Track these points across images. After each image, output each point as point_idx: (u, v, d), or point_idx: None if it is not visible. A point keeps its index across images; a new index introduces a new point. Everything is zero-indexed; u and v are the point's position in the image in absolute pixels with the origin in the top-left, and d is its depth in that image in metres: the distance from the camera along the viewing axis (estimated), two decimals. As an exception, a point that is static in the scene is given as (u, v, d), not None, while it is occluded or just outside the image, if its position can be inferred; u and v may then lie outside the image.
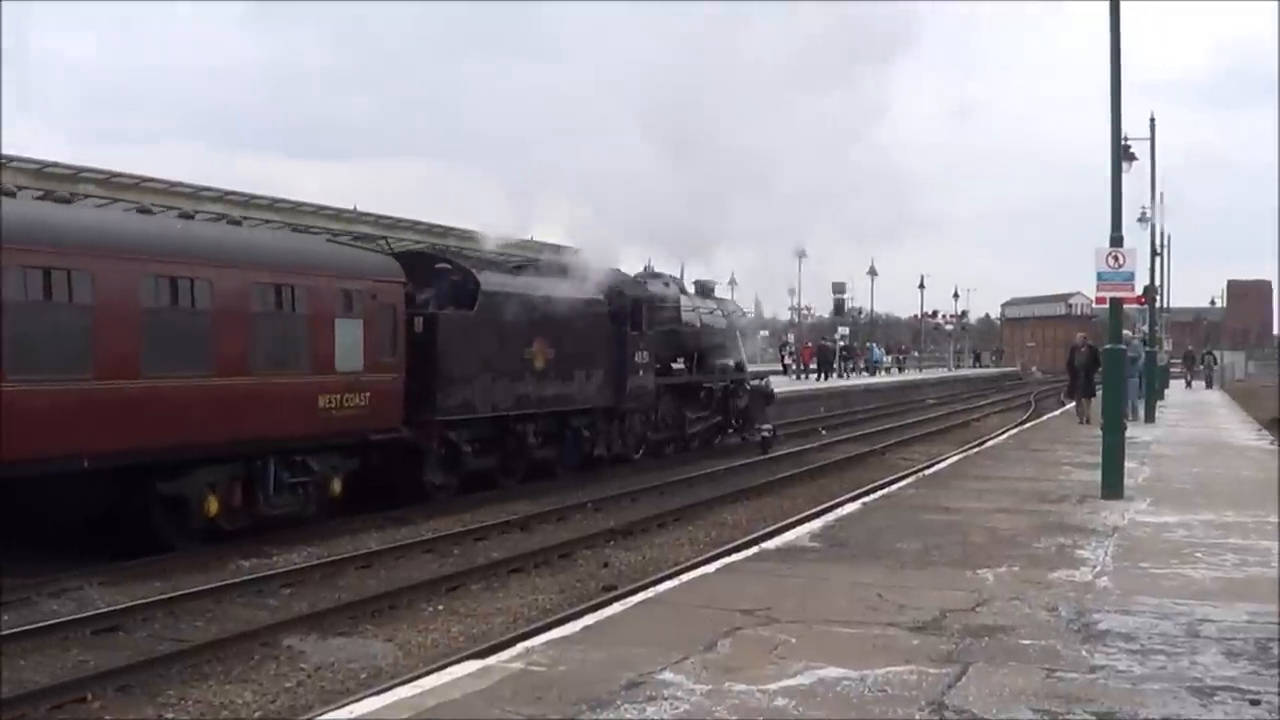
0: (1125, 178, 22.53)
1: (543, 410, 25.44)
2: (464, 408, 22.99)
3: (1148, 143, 41.66)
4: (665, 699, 7.92)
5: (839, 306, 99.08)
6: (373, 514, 20.78)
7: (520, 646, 9.60)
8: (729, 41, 24.75)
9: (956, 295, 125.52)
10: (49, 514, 16.36)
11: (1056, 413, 44.88)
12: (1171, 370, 67.95)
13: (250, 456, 18.49)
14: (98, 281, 15.93)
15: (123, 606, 14.25)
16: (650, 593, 12.10)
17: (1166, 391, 52.69)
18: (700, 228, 28.37)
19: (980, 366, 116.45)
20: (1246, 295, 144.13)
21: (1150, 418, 37.31)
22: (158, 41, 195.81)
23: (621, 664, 8.74)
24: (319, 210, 39.19)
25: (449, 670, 9.14)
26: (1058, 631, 10.05)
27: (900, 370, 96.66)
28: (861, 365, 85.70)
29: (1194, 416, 42.75)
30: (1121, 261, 19.09)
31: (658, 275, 32.23)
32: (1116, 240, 19.16)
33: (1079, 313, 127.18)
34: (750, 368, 39.06)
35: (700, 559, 16.19)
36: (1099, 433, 19.91)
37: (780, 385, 48.28)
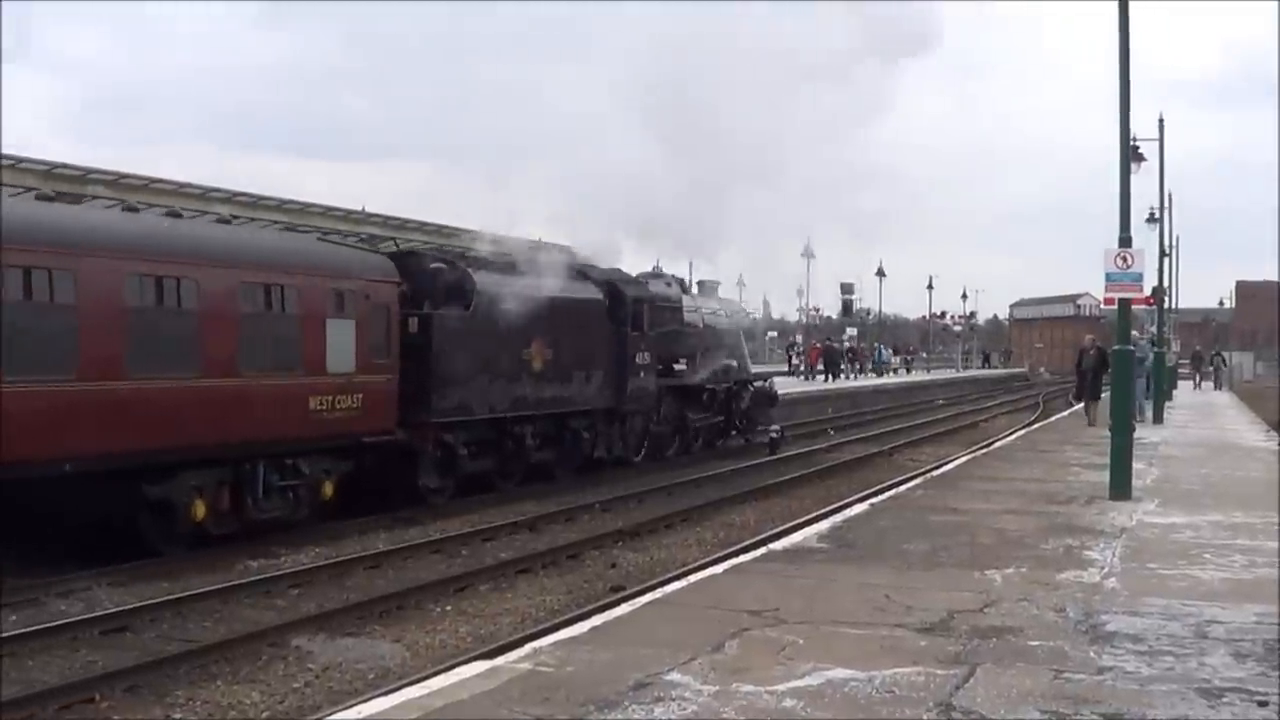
0: (1134, 178, 22.49)
1: (541, 412, 25.18)
2: (460, 409, 22.66)
3: (1157, 143, 41.66)
4: (673, 700, 7.92)
5: (847, 307, 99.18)
6: (380, 515, 20.76)
7: (528, 647, 9.60)
8: (742, 38, 24.65)
9: (965, 296, 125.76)
10: (33, 519, 15.99)
11: (1065, 414, 44.81)
12: (1180, 371, 67.85)
13: (239, 459, 18.12)
14: (80, 281, 15.60)
15: (131, 607, 14.26)
16: (658, 593, 12.11)
17: (1175, 392, 52.61)
18: (707, 226, 28.23)
19: (989, 367, 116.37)
20: (1255, 296, 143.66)
21: (1158, 419, 37.30)
22: (167, 42, 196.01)
23: (629, 665, 8.74)
24: (327, 211, 39.20)
25: (457, 671, 9.15)
26: (1066, 632, 10.04)
27: (908, 371, 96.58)
28: (869, 366, 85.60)
29: (1202, 418, 42.70)
30: (1130, 262, 19.06)
31: (659, 275, 31.98)
32: (1125, 241, 19.15)
33: (1087, 313, 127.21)
34: (754, 369, 38.95)
35: (708, 560, 16.19)
36: (1107, 434, 19.88)
37: (788, 386, 48.34)
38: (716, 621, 10.24)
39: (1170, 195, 50.80)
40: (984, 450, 29.89)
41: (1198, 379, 72.05)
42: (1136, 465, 20.08)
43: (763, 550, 14.51)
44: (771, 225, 30.51)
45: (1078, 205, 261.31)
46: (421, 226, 40.03)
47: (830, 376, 68.34)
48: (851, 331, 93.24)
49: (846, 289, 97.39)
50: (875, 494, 20.84)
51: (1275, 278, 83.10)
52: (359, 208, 41.44)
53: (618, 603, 12.47)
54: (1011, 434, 36.54)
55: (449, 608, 15.06)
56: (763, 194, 27.53)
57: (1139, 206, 41.55)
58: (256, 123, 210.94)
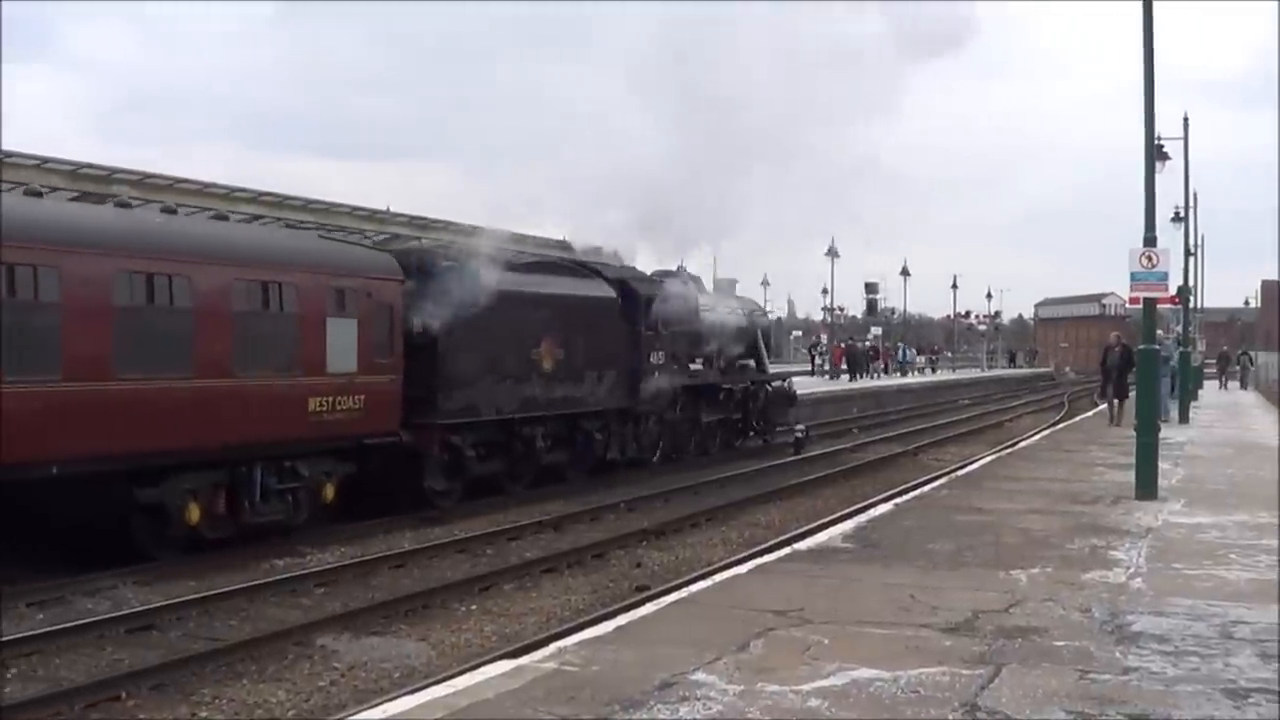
0: (1160, 178, 22.46)
1: (551, 413, 24.78)
2: (467, 410, 22.26)
3: (1182, 143, 41.54)
4: (698, 699, 7.93)
5: (871, 306, 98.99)
6: (405, 514, 20.75)
7: (553, 646, 9.62)
8: (768, 35, 24.60)
9: (990, 295, 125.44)
10: (21, 522, 15.65)
11: (1090, 413, 44.70)
12: (1206, 371, 67.55)
13: (234, 462, 17.67)
14: (65, 278, 15.15)
15: (157, 605, 14.32)
16: (683, 593, 12.12)
17: (1200, 392, 52.43)
18: (728, 225, 28.08)
19: (1015, 367, 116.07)
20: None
21: (1184, 418, 37.16)
22: (192, 41, 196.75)
23: (654, 664, 8.75)
24: (353, 211, 39.17)
25: (482, 670, 9.17)
26: (1091, 633, 10.03)
27: (933, 371, 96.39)
28: (894, 365, 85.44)
29: (1228, 417, 42.54)
30: (1155, 261, 19.02)
31: (675, 273, 31.39)
32: (1150, 240, 19.11)
33: (1113, 313, 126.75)
34: (773, 368, 38.66)
35: (733, 559, 16.18)
36: (1132, 433, 19.82)
37: (813, 385, 48.30)
38: (741, 621, 10.25)
39: (1195, 195, 50.68)
40: (1009, 450, 29.83)
41: (1223, 379, 71.72)
42: (1162, 465, 20.01)
43: (787, 550, 14.52)
44: (795, 223, 30.37)
45: (1102, 205, 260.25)
46: (447, 226, 40.01)
47: (854, 376, 68.31)
48: (876, 331, 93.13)
49: (871, 288, 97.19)
50: (900, 494, 20.81)
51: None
52: (384, 207, 41.46)
53: (643, 602, 12.48)
54: (1036, 434, 36.43)
55: (474, 607, 15.08)
56: (785, 192, 27.47)
57: (1164, 206, 41.47)
58: (283, 123, 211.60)
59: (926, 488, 21.21)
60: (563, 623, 13.74)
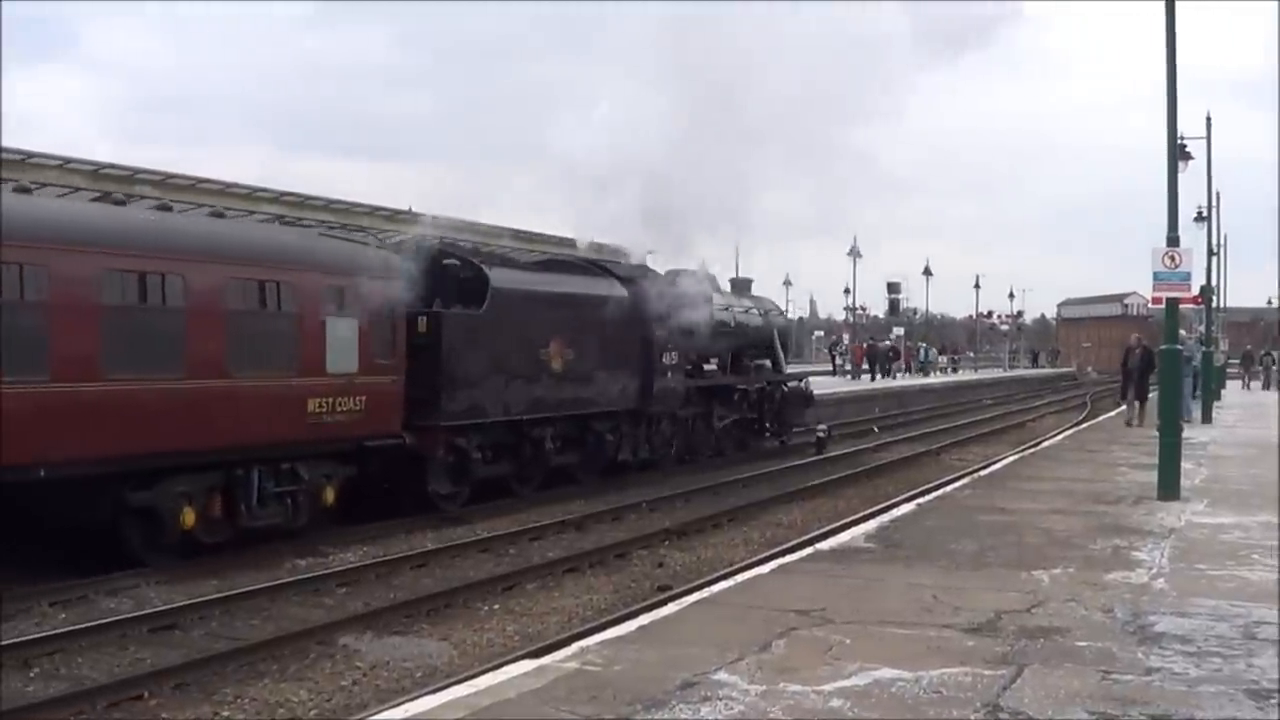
0: (1182, 177, 22.37)
1: (561, 414, 24.27)
2: (472, 412, 21.68)
3: (1205, 142, 41.44)
4: (720, 699, 7.94)
5: (894, 306, 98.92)
6: (428, 514, 20.72)
7: (575, 646, 9.64)
8: (797, 30, 24.45)
9: (1012, 295, 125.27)
10: (17, 525, 15.38)
11: (1112, 413, 44.54)
12: (1229, 371, 67.30)
13: (230, 464, 17.30)
14: (53, 276, 14.89)
15: (179, 605, 14.35)
16: (705, 593, 12.13)
17: (1223, 392, 52.25)
18: (747, 221, 27.85)
19: (1038, 367, 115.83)
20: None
21: (1207, 419, 37.05)
22: (219, 42, 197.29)
23: (676, 664, 8.76)
24: (374, 211, 39.17)
25: (504, 669, 9.18)
26: (1113, 633, 10.02)
27: (955, 371, 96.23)
28: (916, 365, 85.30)
29: (1251, 418, 42.34)
30: (1178, 261, 18.97)
31: (688, 271, 30.35)
32: (1173, 240, 19.05)
33: (1135, 313, 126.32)
34: (790, 368, 38.33)
35: (755, 559, 16.14)
36: (1154, 433, 19.77)
37: (834, 386, 48.21)
38: (763, 621, 10.26)
39: (1218, 194, 50.51)
40: (1031, 450, 29.77)
41: (1246, 379, 71.43)
42: (1185, 465, 19.97)
43: (809, 550, 14.52)
44: (816, 221, 30.21)
45: (1126, 204, 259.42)
46: (472, 227, 39.94)
47: (875, 376, 68.23)
48: (898, 331, 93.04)
49: (893, 288, 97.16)
50: (922, 494, 20.79)
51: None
52: (406, 207, 41.43)
53: (665, 602, 12.48)
54: (1059, 434, 36.36)
55: (496, 606, 15.08)
56: (805, 190, 27.29)
57: (1187, 205, 41.37)
58: (313, 124, 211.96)
59: (949, 488, 21.18)
60: (585, 622, 13.75)
